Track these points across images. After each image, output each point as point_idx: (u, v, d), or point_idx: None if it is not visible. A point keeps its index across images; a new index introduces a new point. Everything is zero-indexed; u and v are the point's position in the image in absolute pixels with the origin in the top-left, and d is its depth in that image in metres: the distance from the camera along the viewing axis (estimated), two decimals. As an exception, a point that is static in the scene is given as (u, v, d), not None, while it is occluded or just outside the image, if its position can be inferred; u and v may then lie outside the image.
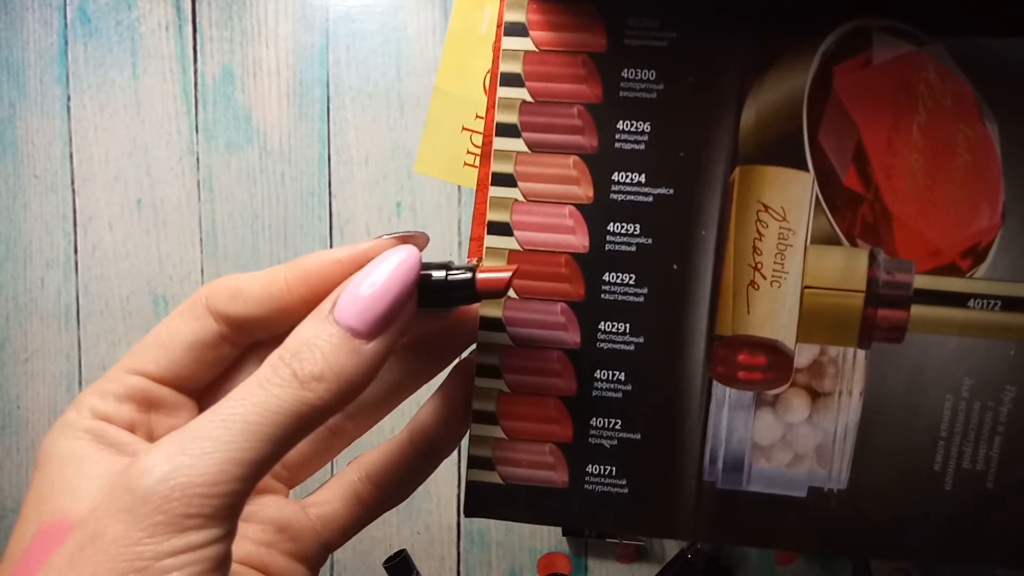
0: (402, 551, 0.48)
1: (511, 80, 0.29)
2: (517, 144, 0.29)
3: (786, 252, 0.28)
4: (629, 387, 0.29)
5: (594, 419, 0.29)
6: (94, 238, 0.49)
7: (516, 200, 0.29)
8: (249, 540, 0.26)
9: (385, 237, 0.23)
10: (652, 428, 0.29)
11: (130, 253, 0.49)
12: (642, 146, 0.28)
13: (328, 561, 0.49)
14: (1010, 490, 0.28)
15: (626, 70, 0.28)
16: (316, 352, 0.21)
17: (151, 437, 0.23)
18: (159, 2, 0.49)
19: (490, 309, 0.28)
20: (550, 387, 0.29)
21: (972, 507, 0.28)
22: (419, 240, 0.24)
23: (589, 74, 0.28)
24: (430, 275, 0.23)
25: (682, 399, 0.29)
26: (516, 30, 0.29)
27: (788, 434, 0.29)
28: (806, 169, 0.28)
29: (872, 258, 0.28)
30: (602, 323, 0.29)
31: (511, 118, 0.29)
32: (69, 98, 0.49)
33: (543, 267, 0.29)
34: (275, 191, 0.48)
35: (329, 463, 0.29)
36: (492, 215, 0.29)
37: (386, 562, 0.49)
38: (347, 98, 0.48)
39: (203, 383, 0.25)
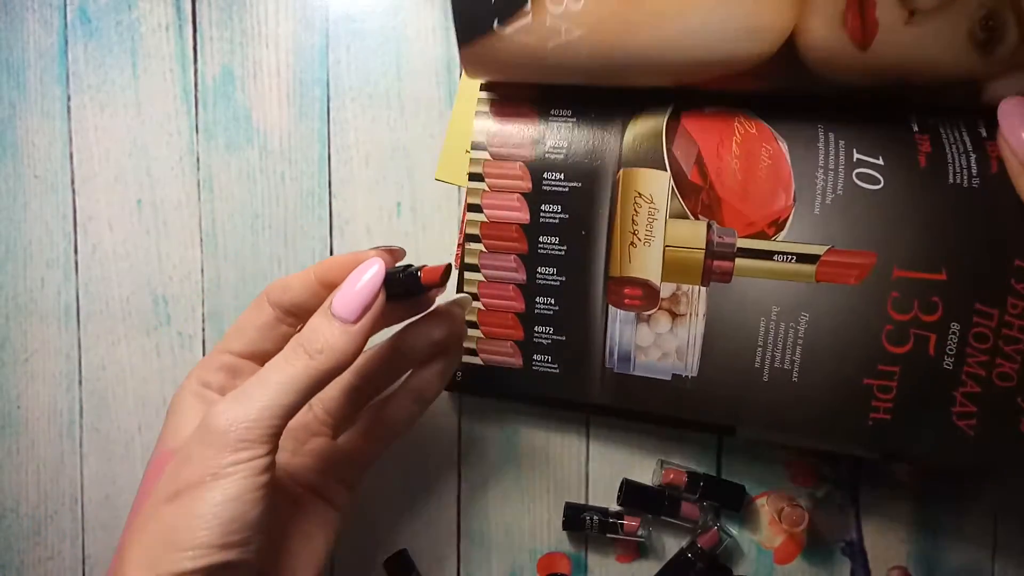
0: (402, 551, 0.49)
1: (482, 114, 0.44)
2: (484, 155, 0.43)
3: (653, 224, 0.41)
4: (557, 308, 0.43)
5: (536, 327, 0.44)
6: (94, 238, 0.49)
7: (484, 190, 0.43)
8: (308, 469, 0.38)
9: (378, 248, 0.36)
10: (573, 333, 0.43)
11: (130, 253, 0.49)
12: (562, 155, 0.42)
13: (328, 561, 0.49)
14: (808, 382, 0.40)
15: (552, 109, 0.43)
16: (319, 334, 0.32)
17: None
18: (159, 2, 0.49)
19: (470, 258, 0.44)
20: (508, 307, 0.44)
21: (783, 393, 0.40)
22: (398, 254, 0.37)
23: (528, 114, 0.43)
24: (393, 275, 0.34)
25: (591, 316, 0.43)
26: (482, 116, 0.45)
27: (658, 340, 0.42)
28: (665, 170, 0.41)
29: (709, 227, 0.41)
30: (539, 268, 0.43)
31: (481, 158, 0.44)
32: (69, 98, 0.49)
33: (502, 232, 0.43)
34: (275, 191, 0.48)
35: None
36: (470, 199, 0.44)
37: (386, 562, 0.49)
38: (347, 98, 0.48)
39: (271, 355, 0.34)
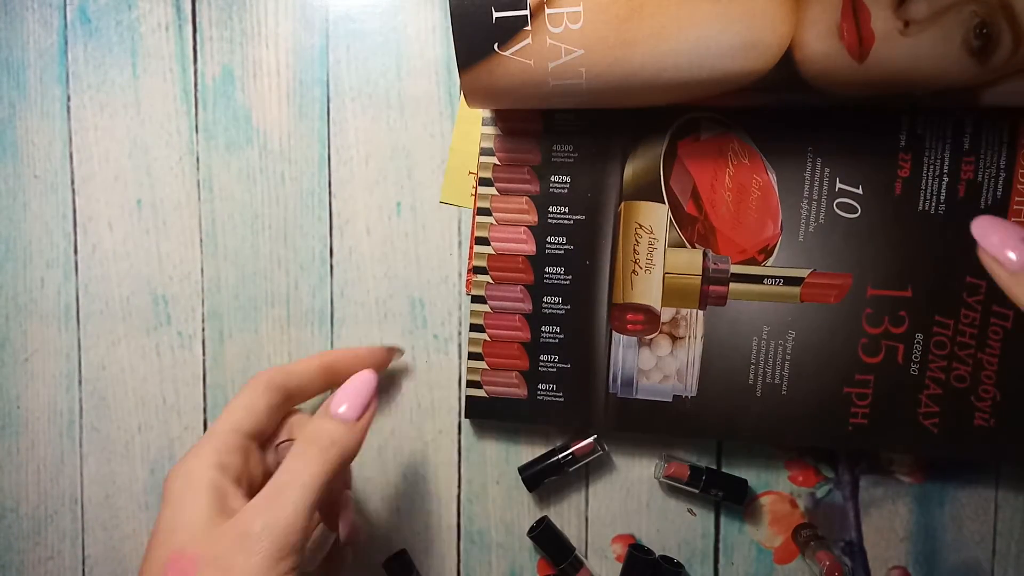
0: (402, 551, 0.49)
1: (487, 151, 0.46)
2: (492, 191, 0.45)
3: (653, 252, 0.44)
4: (562, 336, 0.45)
5: (541, 356, 0.46)
6: (94, 238, 0.49)
7: (492, 224, 0.45)
8: None
9: (380, 346, 0.44)
10: (577, 360, 0.45)
11: (130, 253, 0.49)
12: (566, 190, 0.45)
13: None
14: (796, 394, 0.44)
15: (555, 145, 0.45)
16: (326, 432, 0.35)
17: (242, 480, 0.36)
18: (159, 2, 0.49)
19: (477, 290, 0.46)
20: (514, 337, 0.46)
21: (774, 406, 0.44)
22: (396, 353, 0.46)
23: (532, 148, 0.45)
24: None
25: (594, 342, 0.45)
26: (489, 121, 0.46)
27: (659, 362, 0.45)
28: (663, 202, 0.44)
29: (705, 255, 0.44)
30: (545, 297, 0.45)
31: (487, 174, 0.46)
32: (69, 98, 0.49)
33: (509, 264, 0.45)
34: (275, 191, 0.48)
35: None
36: (478, 232, 0.46)
37: (387, 562, 0.49)
38: (347, 98, 0.48)
39: (269, 438, 0.40)
